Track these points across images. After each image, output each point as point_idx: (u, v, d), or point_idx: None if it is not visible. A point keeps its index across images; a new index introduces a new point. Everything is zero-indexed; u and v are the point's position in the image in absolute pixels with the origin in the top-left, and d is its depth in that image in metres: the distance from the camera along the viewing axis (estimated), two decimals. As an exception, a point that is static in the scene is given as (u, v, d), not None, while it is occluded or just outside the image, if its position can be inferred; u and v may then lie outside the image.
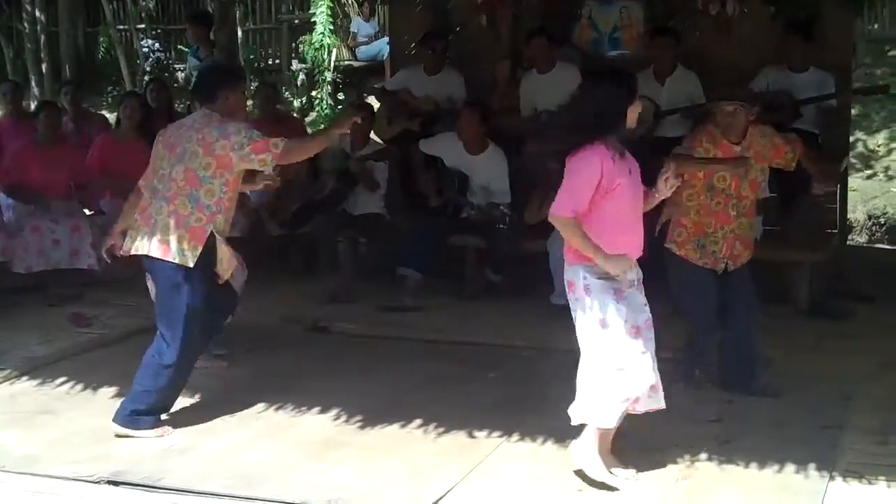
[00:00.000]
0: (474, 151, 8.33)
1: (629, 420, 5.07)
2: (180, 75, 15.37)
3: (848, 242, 9.72)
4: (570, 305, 5.03)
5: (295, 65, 17.01)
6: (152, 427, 5.64)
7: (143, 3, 18.22)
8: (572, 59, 8.87)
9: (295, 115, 14.41)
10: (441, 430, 5.59)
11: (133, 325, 7.47)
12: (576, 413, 4.97)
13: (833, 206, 8.65)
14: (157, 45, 17.88)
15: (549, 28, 8.88)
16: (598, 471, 4.91)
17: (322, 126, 13.99)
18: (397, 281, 8.15)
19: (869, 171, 13.07)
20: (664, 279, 6.02)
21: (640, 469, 5.08)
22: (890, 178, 13.07)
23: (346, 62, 16.74)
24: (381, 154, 8.84)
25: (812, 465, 5.03)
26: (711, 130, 6.05)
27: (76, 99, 10.39)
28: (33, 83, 16.72)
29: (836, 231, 8.75)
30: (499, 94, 9.05)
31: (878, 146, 13.54)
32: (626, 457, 5.15)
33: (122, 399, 5.79)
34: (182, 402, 6.07)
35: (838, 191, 8.70)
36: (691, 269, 6.07)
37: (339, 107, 15.24)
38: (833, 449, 5.25)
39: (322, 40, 15.89)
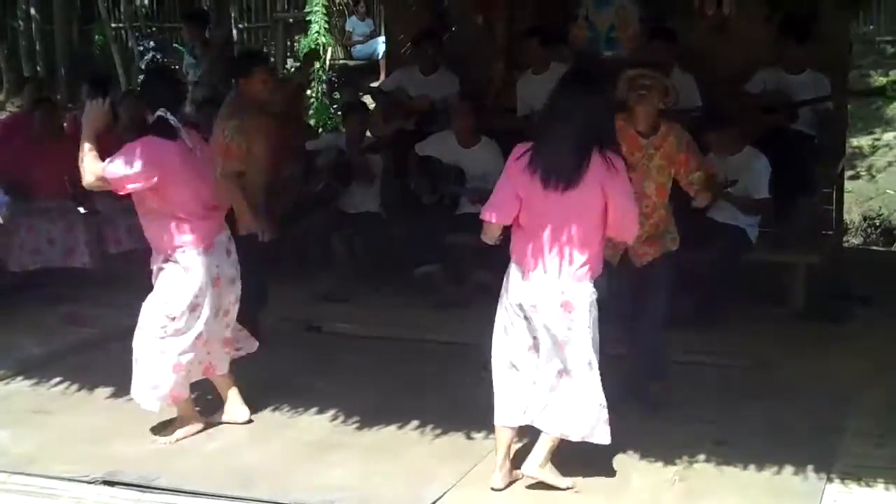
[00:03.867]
0: (467, 144, 8.35)
1: (628, 418, 5.08)
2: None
3: (843, 244, 9.73)
4: (566, 324, 4.88)
5: (290, 63, 16.98)
6: None
7: (138, 2, 18.19)
8: (567, 59, 8.87)
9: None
10: (438, 431, 5.59)
11: (128, 324, 7.41)
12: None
13: (829, 208, 8.66)
14: (151, 43, 17.84)
15: (543, 28, 8.88)
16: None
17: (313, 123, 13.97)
18: (420, 281, 8.17)
19: (851, 172, 13.07)
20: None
21: (637, 471, 5.09)
22: (872, 176, 13.09)
23: (342, 61, 16.73)
24: (375, 146, 8.86)
25: (809, 467, 5.03)
26: (621, 124, 5.66)
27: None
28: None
29: (831, 233, 8.77)
30: (494, 94, 9.06)
31: (870, 146, 13.58)
32: (623, 459, 5.16)
33: (117, 399, 5.79)
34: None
35: (834, 193, 8.71)
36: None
37: (335, 106, 15.20)
38: (830, 451, 5.25)
39: (317, 39, 15.96)
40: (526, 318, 4.96)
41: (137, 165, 5.37)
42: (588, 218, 4.84)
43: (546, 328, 4.88)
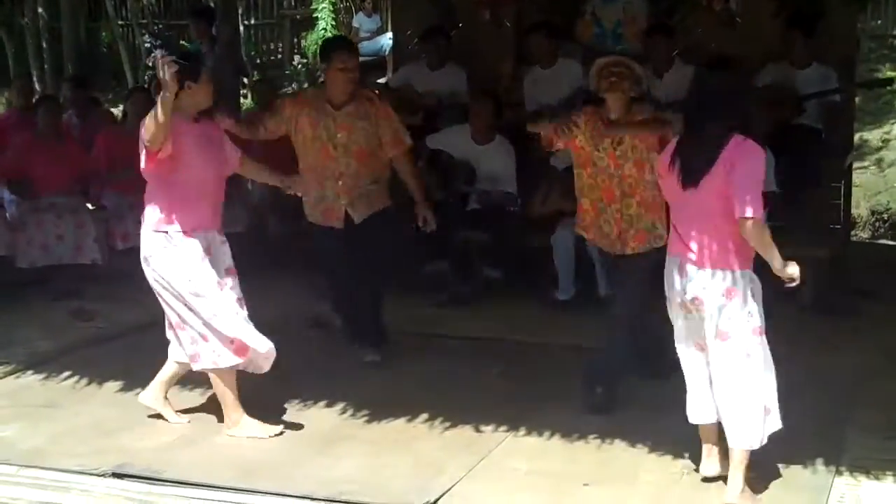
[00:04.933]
0: (482, 141, 8.32)
1: (637, 411, 5.08)
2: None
3: (851, 238, 9.72)
4: (719, 315, 4.67)
5: (297, 60, 17.00)
6: None
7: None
8: (575, 55, 8.87)
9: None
10: (447, 424, 5.59)
11: (136, 320, 7.46)
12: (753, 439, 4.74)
13: (837, 202, 8.65)
14: (158, 41, 17.85)
15: (550, 23, 8.87)
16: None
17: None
18: (428, 277, 8.17)
19: (859, 166, 13.05)
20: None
21: (645, 464, 5.08)
22: (881, 170, 13.07)
23: (349, 58, 16.72)
24: None
25: (818, 461, 5.03)
26: (592, 111, 5.88)
27: (81, 94, 10.42)
28: (35, 78, 16.69)
29: (839, 227, 8.75)
30: (502, 89, 9.05)
31: (879, 140, 13.55)
32: (632, 453, 5.17)
33: (126, 393, 5.80)
34: (186, 395, 6.08)
35: (842, 187, 8.70)
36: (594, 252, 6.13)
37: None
38: (839, 444, 5.25)
39: (324, 35, 15.97)
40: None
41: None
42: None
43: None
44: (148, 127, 5.29)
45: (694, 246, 4.65)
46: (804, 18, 8.19)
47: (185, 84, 5.42)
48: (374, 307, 6.84)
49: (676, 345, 4.90)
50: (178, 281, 5.51)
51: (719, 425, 4.80)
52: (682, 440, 5.23)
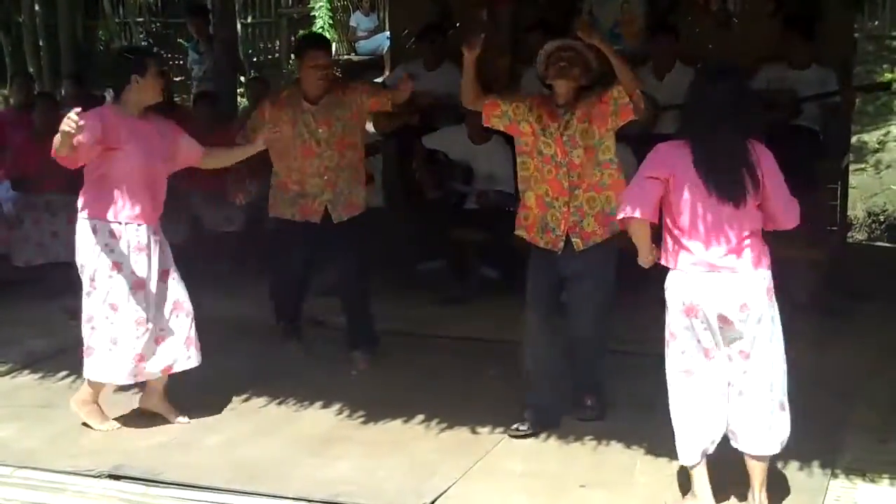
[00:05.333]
0: (479, 141, 8.32)
1: (632, 413, 5.08)
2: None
3: (848, 240, 9.72)
4: (765, 316, 4.66)
5: (294, 59, 16.98)
6: None
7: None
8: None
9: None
10: (443, 425, 5.59)
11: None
12: None
13: (833, 204, 8.64)
14: (155, 38, 17.88)
15: (547, 21, 8.86)
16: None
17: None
18: (424, 277, 8.17)
19: (856, 167, 13.06)
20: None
21: (641, 465, 5.09)
22: (878, 172, 13.07)
23: (346, 57, 16.73)
24: (372, 148, 8.84)
25: (814, 463, 5.03)
26: (539, 97, 5.67)
27: (80, 91, 10.42)
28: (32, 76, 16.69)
29: (835, 228, 8.75)
30: (499, 88, 9.03)
31: (876, 141, 13.55)
32: (627, 455, 5.17)
33: (122, 393, 5.81)
34: (181, 396, 6.08)
35: (839, 188, 8.69)
36: (533, 251, 5.69)
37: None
38: (835, 446, 5.25)
39: (321, 34, 15.96)
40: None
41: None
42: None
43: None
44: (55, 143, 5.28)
45: (733, 253, 4.55)
46: (801, 20, 8.18)
47: (131, 79, 5.53)
48: (363, 310, 6.85)
49: (682, 367, 4.66)
50: (99, 270, 5.59)
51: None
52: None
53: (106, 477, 5.07)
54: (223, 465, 5.19)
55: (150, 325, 5.64)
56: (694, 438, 4.61)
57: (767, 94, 8.05)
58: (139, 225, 5.61)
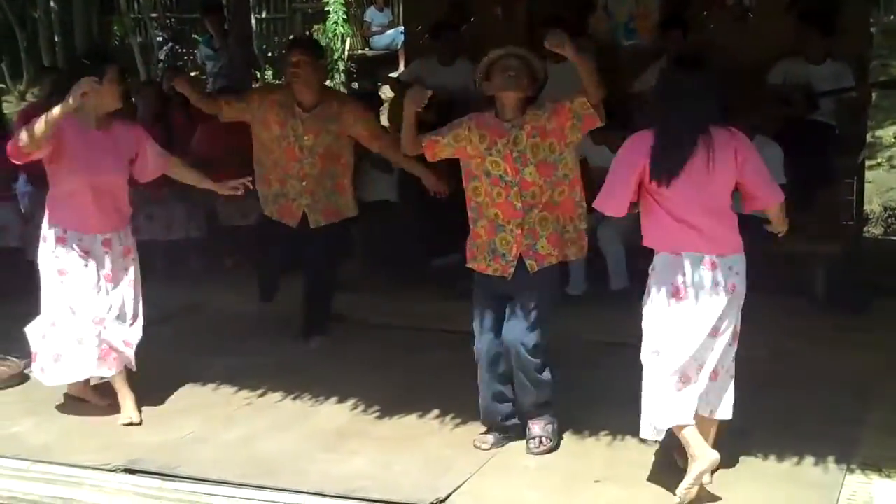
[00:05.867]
0: None
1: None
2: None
3: (864, 234, 9.70)
4: (730, 295, 4.72)
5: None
6: None
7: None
8: (587, 50, 8.83)
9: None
10: (457, 421, 5.59)
11: (147, 314, 7.47)
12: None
13: (850, 198, 8.62)
14: (170, 33, 17.90)
15: (564, 17, 8.84)
16: None
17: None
18: (436, 273, 8.18)
19: (872, 162, 13.02)
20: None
21: (656, 460, 5.08)
22: (893, 167, 13.03)
23: (360, 52, 16.74)
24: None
25: (829, 458, 5.01)
26: (477, 115, 5.23)
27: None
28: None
29: (852, 223, 8.72)
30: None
31: (892, 136, 13.51)
32: (642, 450, 5.16)
33: (137, 388, 5.82)
34: (197, 390, 6.11)
35: (855, 183, 8.67)
36: (479, 279, 5.35)
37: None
38: (850, 442, 5.23)
39: (335, 29, 15.98)
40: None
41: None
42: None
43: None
44: (31, 129, 5.35)
45: (715, 238, 4.69)
46: (817, 14, 8.15)
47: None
48: (324, 299, 7.05)
49: (674, 348, 4.70)
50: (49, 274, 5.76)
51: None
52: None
53: (122, 471, 5.08)
54: (239, 460, 5.20)
55: (101, 329, 5.69)
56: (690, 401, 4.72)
57: (784, 90, 8.05)
58: (84, 234, 5.69)
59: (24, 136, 5.39)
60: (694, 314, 4.66)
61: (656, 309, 4.75)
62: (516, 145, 5.09)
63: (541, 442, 5.22)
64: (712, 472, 4.75)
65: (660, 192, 4.66)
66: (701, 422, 4.73)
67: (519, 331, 5.15)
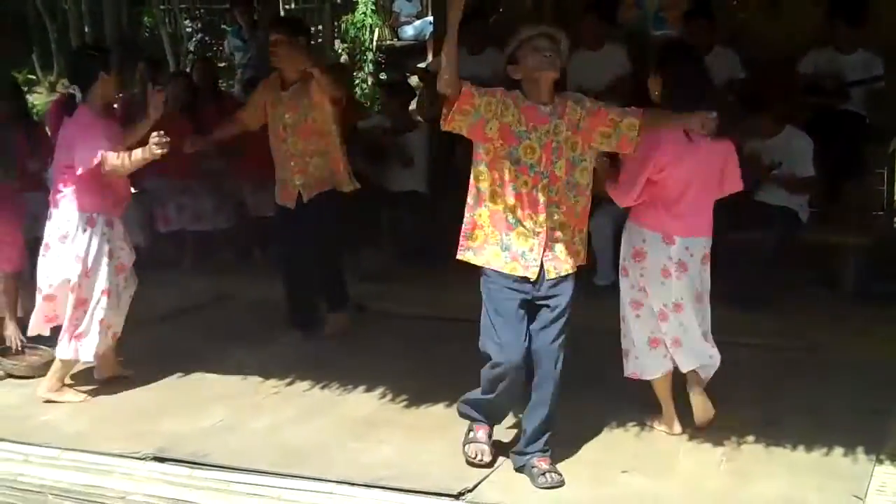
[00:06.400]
0: None
1: (676, 399, 5.09)
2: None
3: (895, 225, 9.63)
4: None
5: (337, 45, 17.01)
6: None
7: (187, -17, 18.30)
8: (618, 39, 8.82)
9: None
10: (485, 410, 5.59)
11: (177, 304, 7.52)
12: None
13: (880, 189, 8.57)
14: (199, 24, 17.95)
15: (601, 4, 8.81)
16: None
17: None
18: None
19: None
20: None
21: (684, 451, 5.07)
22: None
23: (389, 42, 16.73)
24: (410, 125, 8.87)
25: (859, 449, 4.99)
26: (504, 91, 4.74)
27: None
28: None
29: (882, 213, 8.67)
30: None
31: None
32: (670, 440, 5.16)
33: (167, 377, 5.86)
34: (226, 379, 6.13)
35: (885, 173, 8.61)
36: (494, 277, 4.85)
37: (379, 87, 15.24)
38: (880, 433, 5.20)
39: (364, 20, 15.97)
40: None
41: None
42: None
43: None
44: (121, 161, 5.70)
45: (701, 219, 5.19)
46: (847, 4, 8.10)
47: (99, 75, 5.75)
48: (335, 278, 7.05)
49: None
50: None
51: None
52: (721, 428, 5.23)
53: (151, 459, 5.12)
54: (267, 448, 5.22)
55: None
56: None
57: (814, 79, 8.01)
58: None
59: (114, 161, 5.70)
60: (680, 285, 5.13)
61: (650, 279, 5.17)
62: (556, 135, 4.74)
63: (551, 478, 4.80)
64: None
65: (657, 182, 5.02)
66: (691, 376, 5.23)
67: (556, 344, 4.85)
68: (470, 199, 4.85)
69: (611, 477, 4.87)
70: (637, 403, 5.50)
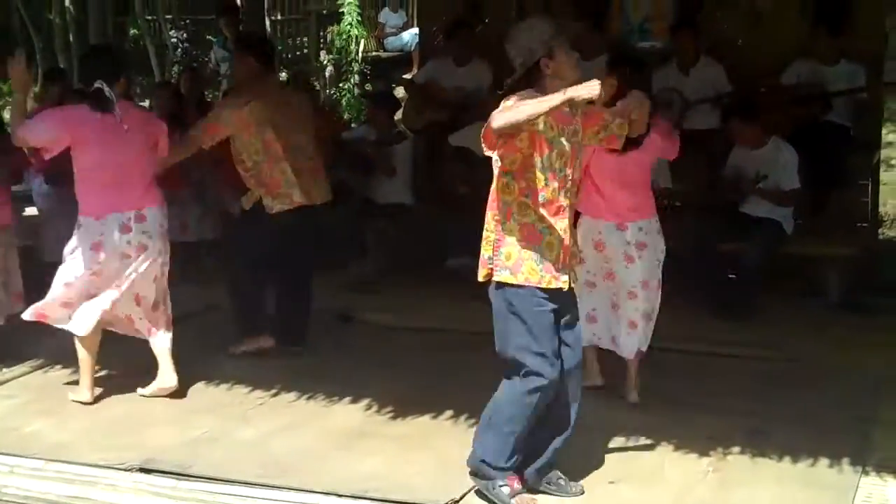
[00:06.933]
0: None
1: (662, 409, 5.08)
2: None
3: (879, 236, 9.66)
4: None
5: (323, 56, 17.03)
6: None
7: (171, -7, 18.30)
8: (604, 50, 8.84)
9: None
10: (471, 421, 5.56)
11: (175, 315, 7.49)
12: None
13: (864, 200, 8.61)
14: (184, 34, 17.94)
15: (591, 15, 8.82)
16: None
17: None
18: (452, 272, 8.19)
19: (889, 163, 12.95)
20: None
21: (671, 461, 5.08)
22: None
23: (374, 53, 16.75)
24: (396, 137, 8.86)
25: (844, 459, 5.00)
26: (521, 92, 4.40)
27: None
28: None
29: (867, 225, 8.70)
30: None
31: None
32: (657, 450, 5.16)
33: (150, 388, 5.84)
34: (211, 390, 6.12)
35: (870, 184, 8.66)
36: (530, 296, 4.51)
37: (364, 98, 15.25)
38: (865, 443, 5.22)
39: (350, 31, 15.99)
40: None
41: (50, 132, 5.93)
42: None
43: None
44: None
45: (642, 204, 5.72)
46: (830, 15, 8.15)
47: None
48: (306, 304, 6.96)
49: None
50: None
51: None
52: (708, 438, 5.24)
53: (137, 470, 5.09)
54: (253, 460, 5.21)
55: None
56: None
57: (797, 91, 8.05)
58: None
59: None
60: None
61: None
62: (576, 135, 4.53)
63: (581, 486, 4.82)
64: None
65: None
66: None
67: (579, 362, 4.74)
68: (496, 214, 4.52)
69: (598, 488, 4.87)
70: (628, 414, 5.50)
